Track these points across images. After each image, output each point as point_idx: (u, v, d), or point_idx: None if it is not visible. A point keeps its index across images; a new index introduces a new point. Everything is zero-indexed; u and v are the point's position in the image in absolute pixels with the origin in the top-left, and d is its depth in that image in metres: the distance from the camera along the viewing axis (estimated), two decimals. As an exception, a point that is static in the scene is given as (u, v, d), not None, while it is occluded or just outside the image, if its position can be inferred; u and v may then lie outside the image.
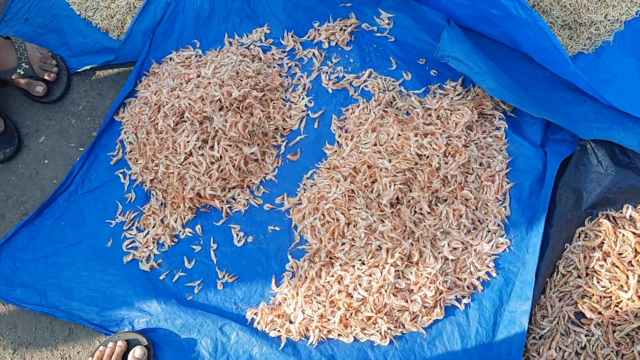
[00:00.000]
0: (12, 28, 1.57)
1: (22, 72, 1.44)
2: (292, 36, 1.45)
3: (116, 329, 1.26)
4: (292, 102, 1.41)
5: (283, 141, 1.38)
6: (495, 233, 1.24)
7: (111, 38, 1.53)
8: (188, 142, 1.28)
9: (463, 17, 1.38)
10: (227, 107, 1.31)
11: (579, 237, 1.21)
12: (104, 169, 1.40)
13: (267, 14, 1.48)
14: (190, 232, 1.32)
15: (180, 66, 1.41)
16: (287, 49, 1.45)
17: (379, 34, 1.44)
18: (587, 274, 1.18)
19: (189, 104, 1.29)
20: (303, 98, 1.41)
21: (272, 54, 1.45)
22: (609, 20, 1.36)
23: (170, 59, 1.46)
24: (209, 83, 1.32)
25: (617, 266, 1.15)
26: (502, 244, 1.23)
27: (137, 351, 1.20)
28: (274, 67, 1.43)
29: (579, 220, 1.22)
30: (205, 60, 1.42)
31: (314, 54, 1.44)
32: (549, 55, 1.25)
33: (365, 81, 1.40)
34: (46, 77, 1.47)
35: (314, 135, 1.38)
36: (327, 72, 1.42)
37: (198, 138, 1.28)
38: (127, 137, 1.40)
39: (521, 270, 1.20)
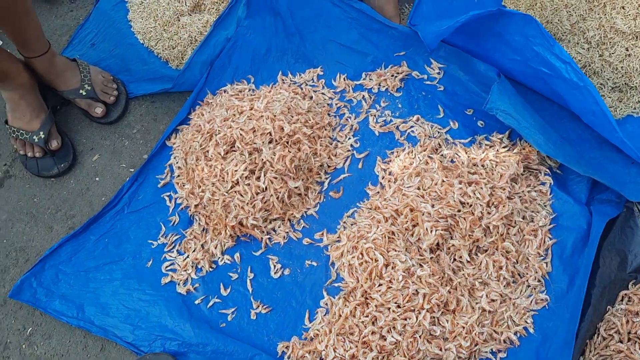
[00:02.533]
0: (79, 51, 1.66)
1: (84, 93, 1.52)
2: (344, 79, 1.50)
3: (147, 349, 1.27)
4: (338, 141, 1.44)
5: (327, 178, 1.40)
6: (535, 288, 1.22)
7: (170, 67, 1.61)
8: (236, 171, 1.31)
9: (514, 72, 1.40)
10: (276, 141, 1.34)
11: (622, 300, 1.18)
12: (151, 191, 1.44)
13: (322, 56, 1.53)
14: (228, 260, 1.34)
15: (234, 98, 1.46)
16: (338, 90, 1.50)
17: (428, 82, 1.47)
18: (629, 339, 1.14)
19: (241, 134, 1.33)
20: (350, 138, 1.44)
21: (323, 93, 1.50)
22: (660, 85, 1.36)
23: (225, 91, 1.52)
24: (261, 116, 1.36)
25: (661, 334, 1.12)
26: (542, 300, 1.21)
27: (167, 373, 1.20)
28: (324, 106, 1.47)
29: (622, 283, 1.19)
30: (258, 94, 1.47)
31: (363, 96, 1.47)
32: (597, 119, 1.25)
33: (412, 126, 1.42)
34: (106, 100, 1.54)
35: (357, 175, 1.40)
36: (374, 115, 1.46)
37: (246, 168, 1.31)
38: (177, 162, 1.44)
39: (560, 329, 1.17)
